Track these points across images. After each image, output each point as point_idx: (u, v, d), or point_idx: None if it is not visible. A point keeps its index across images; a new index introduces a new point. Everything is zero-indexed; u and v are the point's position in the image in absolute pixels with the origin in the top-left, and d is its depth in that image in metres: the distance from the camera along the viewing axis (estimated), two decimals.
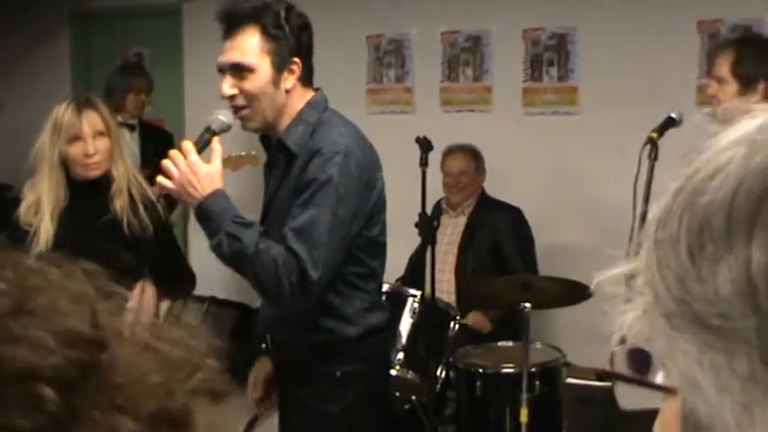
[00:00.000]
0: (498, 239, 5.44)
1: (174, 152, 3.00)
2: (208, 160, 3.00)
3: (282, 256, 2.91)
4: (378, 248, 3.20)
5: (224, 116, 3.10)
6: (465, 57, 6.32)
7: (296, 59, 3.06)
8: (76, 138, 3.64)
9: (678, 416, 0.70)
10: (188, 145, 3.01)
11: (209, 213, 2.98)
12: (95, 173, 3.67)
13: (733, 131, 0.68)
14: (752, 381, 0.63)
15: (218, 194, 2.98)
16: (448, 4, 6.29)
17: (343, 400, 3.15)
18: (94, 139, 3.64)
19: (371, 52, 6.60)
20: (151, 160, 5.79)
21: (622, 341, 0.70)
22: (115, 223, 3.64)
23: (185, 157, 2.97)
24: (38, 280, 0.66)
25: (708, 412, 0.66)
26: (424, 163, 4.71)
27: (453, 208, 5.62)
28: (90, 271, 0.69)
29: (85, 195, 3.69)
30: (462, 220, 5.57)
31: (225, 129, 3.10)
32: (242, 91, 3.05)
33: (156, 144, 6.19)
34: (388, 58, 6.57)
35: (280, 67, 3.04)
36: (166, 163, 2.99)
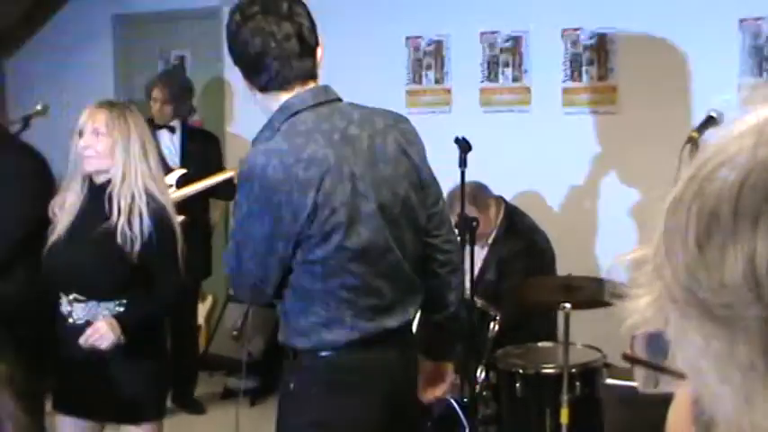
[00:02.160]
0: (504, 272, 5.26)
1: None
2: None
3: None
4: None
5: None
6: (504, 57, 6.30)
7: (238, 68, 2.99)
8: (80, 133, 3.78)
9: (689, 401, 0.72)
10: None
11: None
12: (89, 168, 3.76)
13: (746, 120, 0.68)
14: (751, 369, 0.64)
15: None
16: (486, 4, 6.29)
17: (298, 416, 3.03)
18: (92, 136, 3.74)
19: (411, 53, 6.61)
20: (193, 161, 6.21)
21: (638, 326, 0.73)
22: (108, 232, 3.66)
23: None
24: None
25: (711, 399, 0.68)
26: (462, 164, 4.69)
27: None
28: None
29: (93, 196, 3.77)
30: (485, 251, 5.38)
31: None
32: None
33: (200, 146, 6.40)
34: (428, 59, 6.57)
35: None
36: None
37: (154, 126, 6.33)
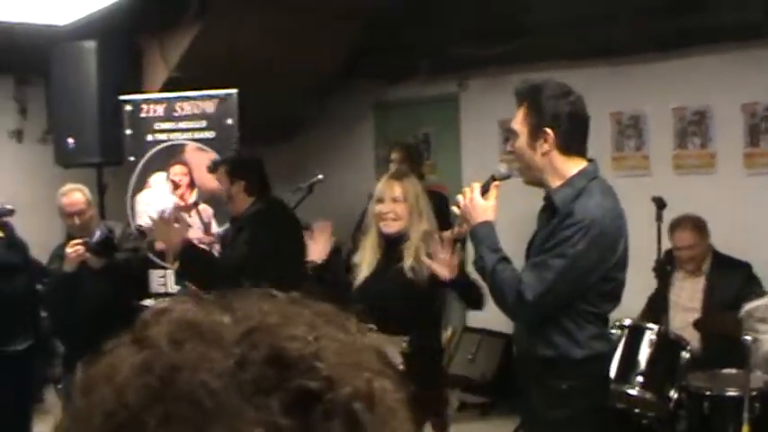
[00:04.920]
0: (737, 296, 5.20)
1: (465, 188, 3.35)
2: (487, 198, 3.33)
3: (510, 277, 3.20)
4: (610, 298, 3.31)
5: (503, 168, 3.41)
6: (692, 128, 6.27)
7: (548, 130, 3.18)
8: (379, 200, 3.93)
9: None
10: (474, 186, 3.34)
11: (475, 236, 3.31)
12: (387, 230, 3.89)
13: None
14: None
15: (485, 225, 3.29)
16: (676, 84, 6.28)
17: (568, 408, 3.25)
18: (392, 203, 3.88)
19: (614, 126, 6.66)
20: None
21: None
22: (403, 272, 3.81)
23: (471, 193, 3.31)
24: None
25: None
26: (659, 218, 4.76)
27: (691, 270, 5.46)
28: (309, 302, 0.72)
29: (388, 249, 3.91)
30: (702, 281, 5.40)
31: (504, 177, 3.37)
32: (512, 149, 3.36)
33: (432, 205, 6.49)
34: (629, 131, 6.61)
35: (533, 135, 3.22)
36: (459, 196, 3.35)
37: None
